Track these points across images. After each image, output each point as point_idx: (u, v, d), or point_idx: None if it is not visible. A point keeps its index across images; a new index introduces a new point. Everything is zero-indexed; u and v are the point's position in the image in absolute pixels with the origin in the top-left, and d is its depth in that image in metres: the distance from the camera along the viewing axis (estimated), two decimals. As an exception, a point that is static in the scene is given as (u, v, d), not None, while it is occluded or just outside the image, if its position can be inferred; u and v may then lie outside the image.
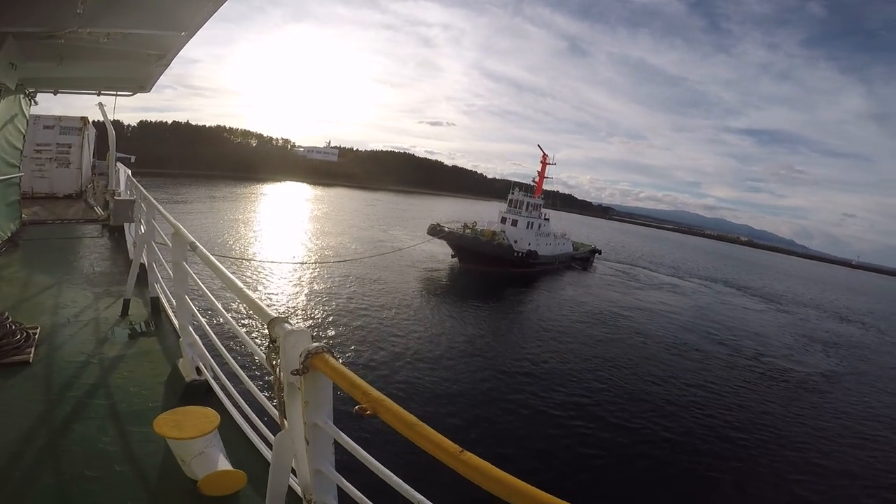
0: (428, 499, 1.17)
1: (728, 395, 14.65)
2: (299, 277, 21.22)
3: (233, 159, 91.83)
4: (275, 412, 1.97)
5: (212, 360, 2.92)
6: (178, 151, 79.17)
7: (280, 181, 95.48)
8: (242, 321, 14.02)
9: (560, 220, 50.40)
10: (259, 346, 2.05)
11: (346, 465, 1.62)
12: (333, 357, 1.34)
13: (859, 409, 15.66)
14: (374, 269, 25.04)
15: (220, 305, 2.52)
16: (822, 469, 10.99)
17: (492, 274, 29.95)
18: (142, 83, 6.81)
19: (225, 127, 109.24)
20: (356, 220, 47.53)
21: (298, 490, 1.85)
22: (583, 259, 43.03)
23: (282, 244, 29.81)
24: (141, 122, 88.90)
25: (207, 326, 2.91)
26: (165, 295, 4.42)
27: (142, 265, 4.63)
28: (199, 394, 2.95)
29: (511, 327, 19.56)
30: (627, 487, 9.24)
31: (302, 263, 24.17)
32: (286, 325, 1.50)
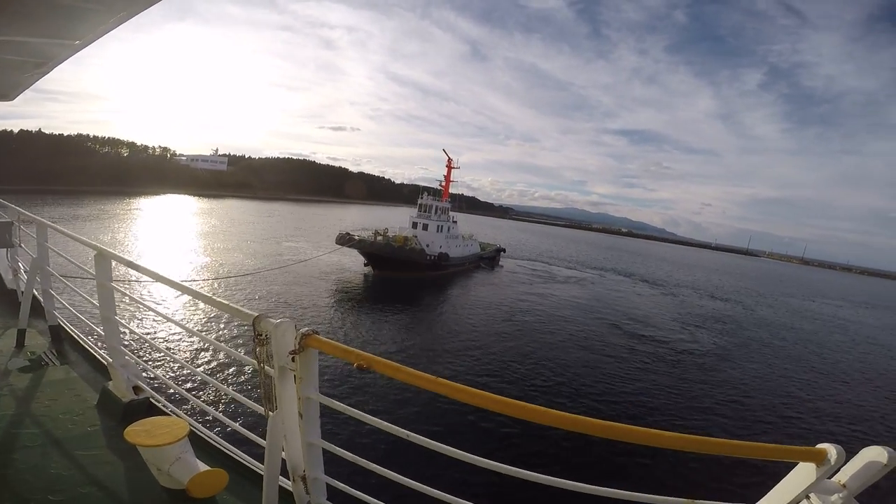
0: (405, 429, 1.59)
1: (634, 370, 16.79)
2: (184, 300, 19.09)
3: (99, 172, 79.35)
4: (253, 406, 2.21)
5: (164, 377, 2.94)
6: (28, 165, 66.52)
7: (159, 194, 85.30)
8: (178, 333, 14.35)
9: (466, 222, 52.84)
10: (212, 353, 2.23)
11: (332, 432, 1.95)
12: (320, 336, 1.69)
13: (738, 371, 18.96)
14: (279, 283, 23.85)
15: (153, 322, 2.61)
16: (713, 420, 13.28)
17: (406, 279, 30.42)
18: (6, 91, 5.92)
19: (88, 135, 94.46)
20: (252, 234, 44.27)
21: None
22: (490, 258, 45.62)
23: (164, 264, 26.52)
24: (-21, 131, 73.34)
25: (149, 345, 2.95)
26: (72, 320, 4.13)
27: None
28: (141, 412, 2.95)
29: (433, 328, 20.17)
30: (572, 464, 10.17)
31: (189, 282, 22.01)
32: (270, 319, 1.79)
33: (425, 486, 1.71)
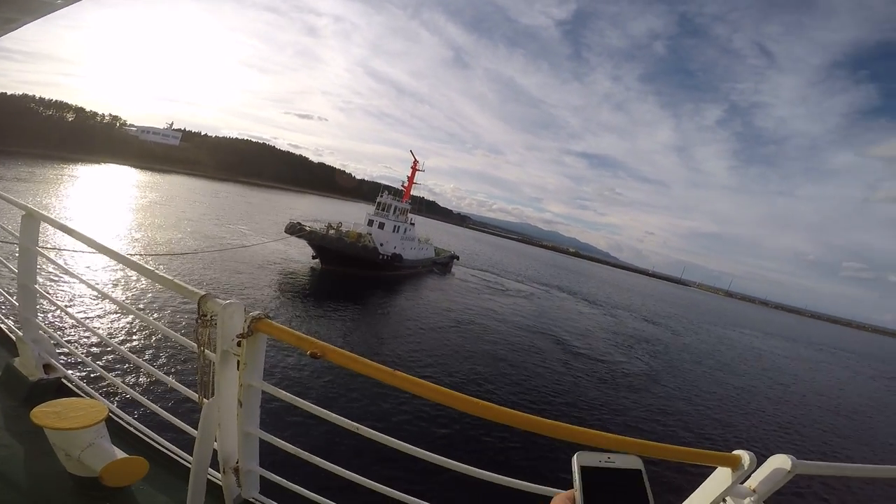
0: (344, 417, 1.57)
1: (566, 380, 17.42)
2: (116, 274, 17.50)
3: (38, 135, 72.55)
4: (185, 392, 2.08)
5: (83, 356, 2.68)
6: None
7: (99, 163, 78.78)
8: (106, 310, 13.25)
9: (424, 226, 52.76)
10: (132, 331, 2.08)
11: (270, 423, 1.86)
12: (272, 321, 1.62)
13: (663, 387, 20.09)
14: (217, 267, 22.58)
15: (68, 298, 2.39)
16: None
17: (355, 276, 29.82)
18: None
19: (33, 97, 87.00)
20: (194, 213, 41.63)
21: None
22: (443, 264, 45.88)
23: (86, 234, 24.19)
24: None
25: (70, 320, 2.69)
26: None
27: None
28: (50, 393, 2.68)
29: (377, 329, 19.83)
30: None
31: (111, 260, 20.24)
32: (218, 300, 1.69)
33: (365, 479, 1.68)
